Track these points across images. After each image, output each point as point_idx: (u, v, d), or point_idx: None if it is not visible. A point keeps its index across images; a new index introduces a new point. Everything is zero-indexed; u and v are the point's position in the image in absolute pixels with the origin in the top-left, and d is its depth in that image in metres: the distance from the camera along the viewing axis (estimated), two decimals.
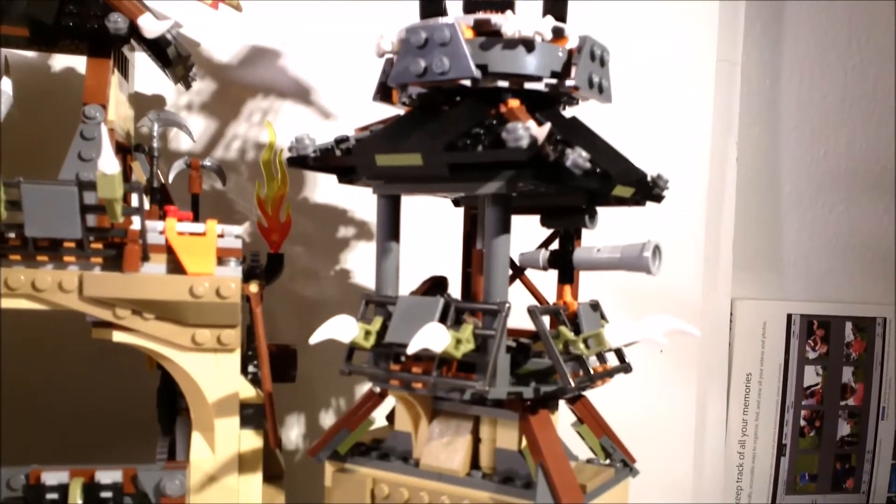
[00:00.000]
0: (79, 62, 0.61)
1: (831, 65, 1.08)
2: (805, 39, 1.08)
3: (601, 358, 0.52)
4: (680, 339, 0.41)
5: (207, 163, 0.71)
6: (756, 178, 1.06)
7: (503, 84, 0.46)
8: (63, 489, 0.56)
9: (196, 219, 0.62)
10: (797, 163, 1.07)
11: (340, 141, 0.48)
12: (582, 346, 0.47)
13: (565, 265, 0.55)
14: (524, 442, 0.49)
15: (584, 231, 0.57)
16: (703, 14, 1.00)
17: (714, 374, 1.07)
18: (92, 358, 0.77)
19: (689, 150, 0.99)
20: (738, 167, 1.05)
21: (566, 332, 0.48)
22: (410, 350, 0.43)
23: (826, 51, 1.09)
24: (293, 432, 0.88)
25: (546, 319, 0.48)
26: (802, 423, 1.11)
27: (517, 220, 0.50)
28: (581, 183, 0.43)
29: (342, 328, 0.45)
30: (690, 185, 0.99)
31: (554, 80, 0.47)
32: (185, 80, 0.73)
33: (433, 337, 0.42)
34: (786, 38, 1.08)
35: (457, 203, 0.65)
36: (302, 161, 0.51)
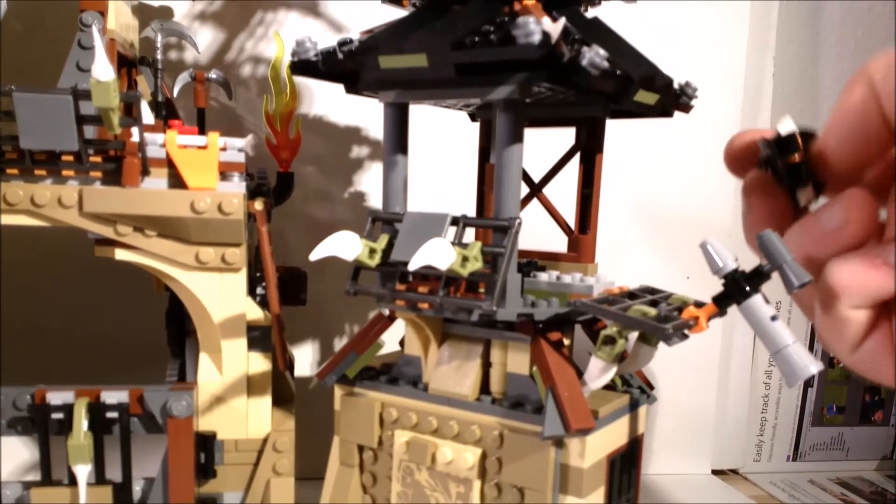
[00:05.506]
0: None
1: None
2: None
3: None
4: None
5: (213, 75, 0.68)
6: (793, 95, 1.01)
7: None
8: (68, 409, 0.55)
9: (201, 134, 0.59)
10: (838, 80, 1.01)
11: (343, 43, 0.44)
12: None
13: None
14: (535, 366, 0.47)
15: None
16: None
17: None
18: (101, 281, 0.76)
19: (723, 67, 0.94)
20: (774, 84, 0.99)
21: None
22: (412, 266, 0.40)
23: None
24: (306, 357, 0.87)
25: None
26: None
27: None
28: (600, 86, 0.39)
29: (345, 245, 0.43)
30: (724, 103, 0.94)
31: None
32: None
33: (437, 253, 0.39)
34: None
35: (473, 118, 0.62)
36: (306, 67, 0.48)
